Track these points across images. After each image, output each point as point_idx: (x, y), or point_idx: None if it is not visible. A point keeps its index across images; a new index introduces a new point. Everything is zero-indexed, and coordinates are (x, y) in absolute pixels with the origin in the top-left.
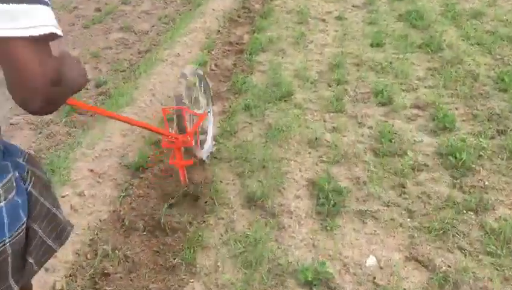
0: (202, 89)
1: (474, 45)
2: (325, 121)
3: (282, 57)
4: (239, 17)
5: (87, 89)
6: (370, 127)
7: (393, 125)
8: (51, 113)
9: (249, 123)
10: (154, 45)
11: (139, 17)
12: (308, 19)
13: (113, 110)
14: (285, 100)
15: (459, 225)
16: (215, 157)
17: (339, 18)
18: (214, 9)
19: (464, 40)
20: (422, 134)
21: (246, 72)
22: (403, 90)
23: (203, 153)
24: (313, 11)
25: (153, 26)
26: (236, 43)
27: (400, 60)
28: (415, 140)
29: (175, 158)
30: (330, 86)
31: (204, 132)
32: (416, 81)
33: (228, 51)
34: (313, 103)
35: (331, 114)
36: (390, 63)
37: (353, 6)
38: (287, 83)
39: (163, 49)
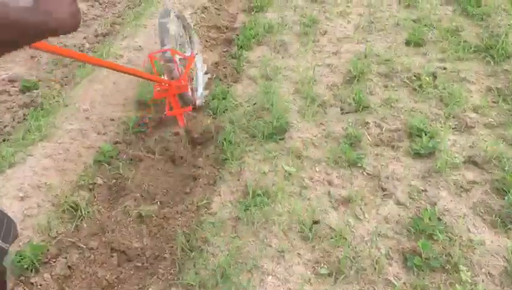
0: (185, 31)
1: None
2: (331, 184)
3: (283, 57)
4: None
5: (9, 94)
6: (400, 204)
7: (436, 204)
8: None
9: (216, 176)
10: (117, 25)
11: None
12: None
13: (19, 146)
14: (275, 140)
15: None
16: None
17: None
18: None
19: None
20: (483, 226)
21: (230, 78)
22: (452, 129)
23: (197, 99)
24: None
25: None
26: (226, 28)
27: (448, 72)
28: (471, 240)
29: (171, 108)
30: (344, 113)
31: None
32: (472, 114)
33: (213, 40)
34: (315, 146)
35: (342, 171)
36: (434, 76)
37: None
38: (283, 107)
39: (122, 37)
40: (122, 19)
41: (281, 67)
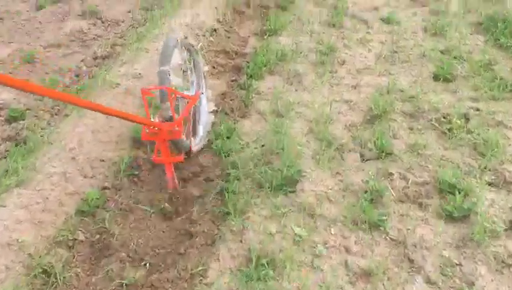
0: (193, 64)
1: None
2: (348, 251)
3: (296, 89)
4: (248, 6)
5: None
6: (431, 283)
7: (473, 285)
8: None
9: (215, 235)
10: (119, 46)
11: None
12: (344, 18)
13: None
14: (285, 192)
15: None
16: None
17: (387, 20)
18: None
19: None
20: None
21: (237, 112)
22: (489, 185)
23: (194, 145)
24: (352, 3)
25: (128, 11)
26: (235, 53)
27: (482, 114)
28: None
29: (159, 154)
30: (364, 160)
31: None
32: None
33: (221, 66)
34: (331, 202)
35: (361, 234)
36: (466, 119)
37: None
38: (294, 151)
39: (121, 62)
40: (125, 39)
41: (293, 102)
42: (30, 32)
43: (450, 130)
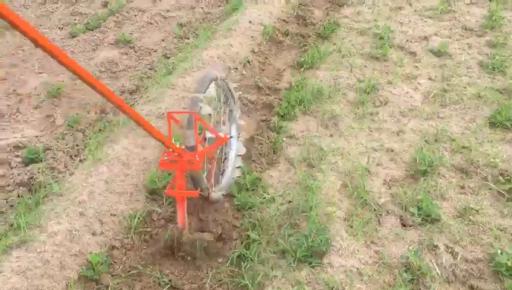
0: (228, 107)
1: None
2: None
3: (331, 134)
4: (286, 35)
5: (10, 165)
6: None
7: None
8: None
9: None
10: (148, 78)
11: (150, 23)
12: (389, 50)
13: None
14: (310, 263)
15: None
16: None
17: (438, 52)
18: (251, 22)
19: None
20: None
21: (265, 158)
22: None
23: (217, 189)
24: (399, 32)
25: (162, 40)
26: (268, 88)
27: None
28: None
29: (174, 186)
30: (406, 226)
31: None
32: None
33: (251, 103)
34: (363, 281)
35: None
36: None
37: (465, 29)
38: (324, 212)
39: (145, 99)
40: (155, 71)
41: (327, 149)
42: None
43: (509, 191)
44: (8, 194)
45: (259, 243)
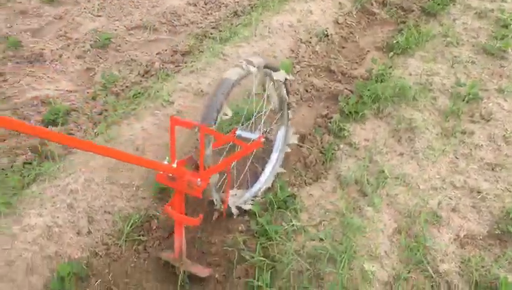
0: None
1: None
2: None
3: (401, 153)
4: (383, 5)
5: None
6: None
7: None
8: None
9: None
10: (207, 39)
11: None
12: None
13: None
14: None
15: None
16: None
17: None
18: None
19: None
20: None
21: (310, 171)
22: None
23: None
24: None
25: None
26: (342, 74)
27: None
28: None
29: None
30: None
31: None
32: None
33: (316, 91)
34: None
35: None
36: None
37: None
38: (360, 267)
39: (189, 68)
40: (219, 31)
41: (390, 174)
42: (123, 7)
43: None
44: (15, 158)
45: None
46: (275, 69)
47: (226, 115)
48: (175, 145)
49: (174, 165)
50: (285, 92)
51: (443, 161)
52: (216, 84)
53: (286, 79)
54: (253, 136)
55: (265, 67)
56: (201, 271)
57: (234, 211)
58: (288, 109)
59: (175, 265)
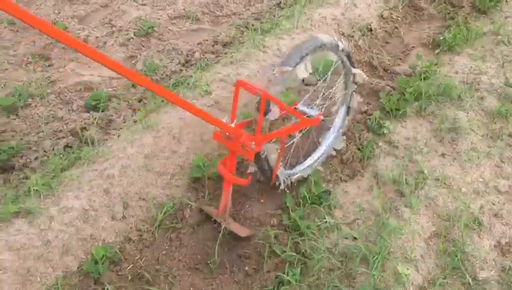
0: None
1: None
2: None
3: (443, 153)
4: (432, 0)
5: (71, 108)
6: None
7: None
8: None
9: None
10: (249, 30)
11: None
12: None
13: None
14: None
15: None
16: None
17: None
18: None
19: None
20: None
21: (346, 169)
22: None
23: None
24: None
25: None
26: (385, 70)
27: None
28: None
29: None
30: None
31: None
32: None
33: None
34: None
35: None
36: None
37: None
38: (393, 269)
39: (229, 59)
40: (261, 22)
41: (430, 175)
42: None
43: None
44: (57, 141)
45: (299, 286)
46: (351, 60)
47: (306, 69)
48: (236, 106)
49: (233, 125)
50: (355, 85)
51: (487, 164)
52: (304, 40)
53: (359, 75)
54: (313, 112)
55: (347, 52)
56: (241, 230)
57: (282, 185)
58: (348, 109)
59: (217, 220)
